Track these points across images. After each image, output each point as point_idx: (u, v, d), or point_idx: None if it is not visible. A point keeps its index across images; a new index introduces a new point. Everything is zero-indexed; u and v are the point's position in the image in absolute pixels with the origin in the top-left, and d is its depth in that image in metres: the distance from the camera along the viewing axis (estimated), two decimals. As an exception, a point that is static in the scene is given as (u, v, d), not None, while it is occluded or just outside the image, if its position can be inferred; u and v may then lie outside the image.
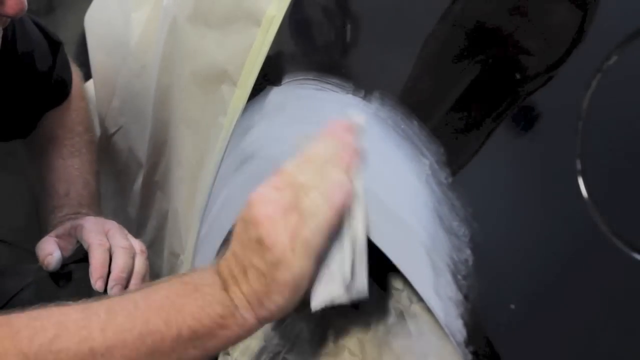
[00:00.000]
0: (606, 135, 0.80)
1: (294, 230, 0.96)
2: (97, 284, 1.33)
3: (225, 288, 1.00)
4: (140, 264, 1.38)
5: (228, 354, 1.33)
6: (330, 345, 1.12)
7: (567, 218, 0.82)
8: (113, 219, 1.78)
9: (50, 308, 1.00)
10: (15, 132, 1.64)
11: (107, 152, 1.87)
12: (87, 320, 0.98)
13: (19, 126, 1.63)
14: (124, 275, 1.35)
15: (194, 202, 1.47)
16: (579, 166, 0.80)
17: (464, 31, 0.98)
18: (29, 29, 1.57)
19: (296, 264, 0.96)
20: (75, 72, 1.71)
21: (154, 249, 1.65)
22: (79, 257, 1.43)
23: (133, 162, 1.74)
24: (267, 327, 1.24)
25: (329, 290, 0.99)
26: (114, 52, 1.82)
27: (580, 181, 0.80)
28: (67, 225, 1.48)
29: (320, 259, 0.98)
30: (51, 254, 1.41)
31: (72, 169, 1.60)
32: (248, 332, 1.00)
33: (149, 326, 0.98)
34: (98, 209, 1.60)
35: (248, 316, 0.99)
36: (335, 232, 0.98)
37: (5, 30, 1.35)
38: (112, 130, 1.84)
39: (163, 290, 1.02)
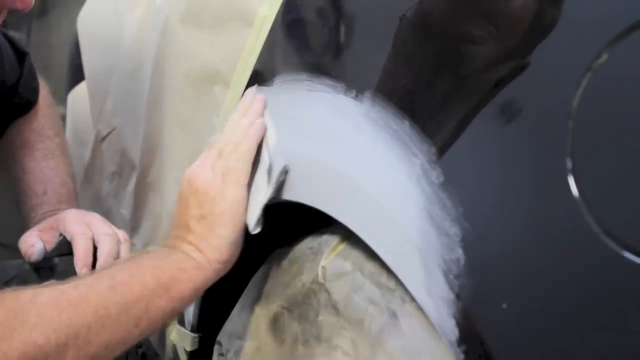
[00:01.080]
0: (596, 134, 0.80)
1: (221, 169, 1.15)
2: (82, 272, 1.34)
3: (175, 247, 1.14)
4: (125, 251, 1.40)
5: (222, 354, 1.33)
6: (323, 345, 1.12)
7: (558, 217, 0.82)
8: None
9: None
10: None
11: (100, 153, 1.87)
12: (60, 284, 1.08)
13: None
14: (111, 260, 1.37)
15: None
16: (569, 165, 0.80)
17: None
18: None
19: (229, 192, 1.13)
20: (42, 84, 1.74)
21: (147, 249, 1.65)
22: (63, 252, 1.44)
23: (127, 164, 1.74)
24: (260, 327, 1.24)
25: (256, 202, 1.14)
26: (107, 53, 1.82)
27: (571, 180, 0.80)
28: (50, 219, 1.50)
29: (249, 186, 1.14)
30: (33, 245, 1.43)
31: (47, 169, 1.63)
32: (206, 276, 1.12)
33: (116, 279, 1.08)
34: (76, 206, 1.62)
35: (201, 259, 1.12)
36: (256, 163, 1.15)
37: None
38: (106, 131, 1.84)
39: (122, 260, 1.20)
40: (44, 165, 1.62)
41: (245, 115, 1.20)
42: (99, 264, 1.36)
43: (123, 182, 1.77)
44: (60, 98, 2.16)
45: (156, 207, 1.62)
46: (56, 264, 1.44)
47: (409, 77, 1.00)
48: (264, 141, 1.16)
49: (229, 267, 1.15)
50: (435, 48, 0.98)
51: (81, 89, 1.97)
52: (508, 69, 0.89)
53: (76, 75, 2.02)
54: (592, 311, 0.78)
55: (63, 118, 2.12)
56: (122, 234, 1.43)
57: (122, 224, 1.77)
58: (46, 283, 1.10)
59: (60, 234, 1.45)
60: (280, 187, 1.13)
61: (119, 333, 1.07)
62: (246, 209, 1.14)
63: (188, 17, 1.46)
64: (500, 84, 0.90)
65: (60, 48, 2.20)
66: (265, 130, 1.17)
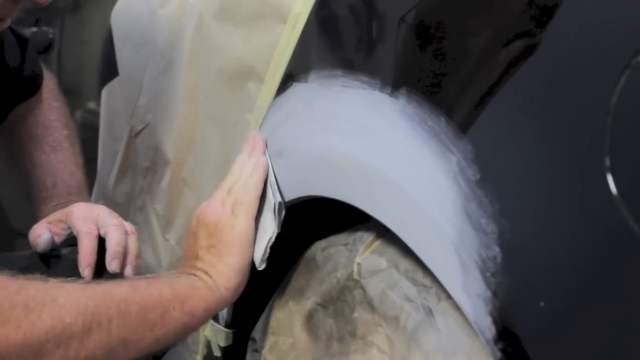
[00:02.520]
0: (635, 132, 0.80)
1: (231, 202, 1.22)
2: (85, 272, 1.37)
3: (182, 274, 1.19)
4: (133, 242, 1.43)
5: (256, 350, 1.33)
6: (359, 342, 1.12)
7: (596, 215, 0.81)
8: (141, 216, 1.80)
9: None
10: None
11: (134, 149, 1.88)
12: (83, 281, 1.17)
13: None
14: (120, 249, 1.39)
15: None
16: (607, 163, 0.80)
17: (475, 11, 0.98)
18: None
19: (238, 222, 1.20)
20: (49, 77, 1.78)
21: (181, 245, 1.65)
22: (71, 243, 1.46)
23: (160, 159, 1.75)
24: (295, 324, 1.24)
25: (264, 239, 1.20)
26: (141, 49, 1.83)
27: (609, 178, 0.79)
28: (59, 212, 1.52)
29: (256, 220, 1.21)
30: (39, 236, 1.46)
31: (56, 162, 1.67)
32: (217, 299, 1.18)
33: (135, 285, 1.14)
34: (87, 197, 1.67)
35: (211, 282, 1.17)
36: (263, 200, 1.23)
37: None
38: (139, 127, 1.84)
39: (139, 279, 1.21)
40: (53, 158, 1.65)
41: (250, 155, 1.27)
42: (108, 253, 1.38)
43: (157, 178, 1.77)
44: (93, 94, 2.17)
45: (190, 202, 1.63)
46: (64, 254, 1.46)
47: (447, 72, 0.99)
48: (268, 178, 1.24)
49: (237, 294, 1.20)
50: (471, 39, 0.97)
51: (115, 85, 1.98)
52: (545, 66, 0.88)
53: (109, 71, 2.02)
54: (631, 310, 0.78)
55: (94, 113, 2.13)
56: (129, 226, 1.45)
57: (156, 219, 1.77)
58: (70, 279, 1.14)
59: (69, 227, 1.46)
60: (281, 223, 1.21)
61: (136, 333, 1.11)
62: (254, 240, 1.20)
63: (222, 13, 1.46)
64: (537, 80, 0.89)
65: (93, 44, 2.20)
66: (268, 167, 1.26)
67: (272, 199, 1.21)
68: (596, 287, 0.80)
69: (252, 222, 1.21)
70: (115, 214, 1.47)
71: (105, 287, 1.11)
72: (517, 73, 0.91)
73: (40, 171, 1.64)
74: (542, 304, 0.83)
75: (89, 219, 1.44)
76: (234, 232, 1.19)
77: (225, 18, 1.45)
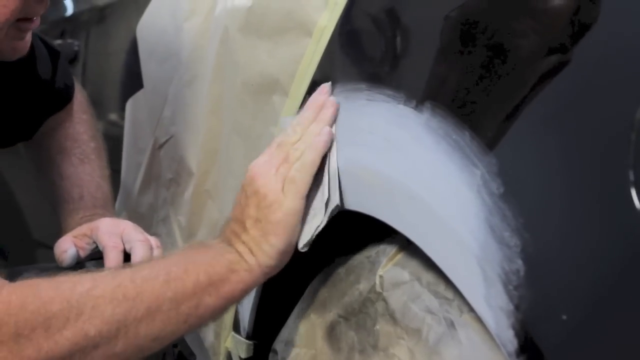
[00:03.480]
0: (659, 147, 0.80)
1: (284, 176, 1.16)
2: None
3: (230, 244, 1.17)
4: (158, 256, 1.43)
5: (277, 362, 1.34)
6: (380, 354, 1.12)
7: (619, 229, 0.81)
8: (164, 227, 1.81)
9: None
10: (19, 136, 1.72)
11: (158, 161, 1.89)
12: (116, 274, 1.13)
13: (22, 130, 1.70)
14: None
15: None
16: (631, 177, 0.80)
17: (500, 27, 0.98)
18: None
19: (286, 202, 1.15)
20: (78, 89, 1.79)
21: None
22: (95, 257, 1.47)
23: (184, 171, 1.76)
24: (317, 335, 1.25)
25: (312, 224, 1.17)
26: (166, 62, 1.84)
27: (633, 193, 0.80)
28: (84, 226, 1.53)
29: (306, 198, 1.17)
30: (65, 251, 1.46)
31: (83, 174, 1.67)
32: (255, 278, 1.16)
33: (170, 275, 1.12)
34: (112, 209, 1.68)
35: (252, 261, 1.15)
36: (318, 174, 1.17)
37: None
38: (164, 139, 1.86)
39: (177, 253, 1.21)
40: (81, 170, 1.67)
41: (315, 119, 1.20)
42: None
43: (180, 189, 1.78)
44: (117, 105, 2.18)
45: (214, 214, 1.63)
46: (89, 267, 1.47)
47: (471, 86, 1.00)
48: (327, 157, 1.18)
49: (276, 272, 1.18)
50: (496, 53, 0.98)
51: (139, 97, 1.99)
52: (569, 80, 0.89)
53: (133, 83, 2.04)
54: (654, 324, 0.78)
55: (116, 125, 2.14)
56: (154, 241, 1.46)
57: (179, 230, 1.78)
58: (105, 269, 1.20)
59: (94, 242, 1.47)
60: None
61: (168, 328, 1.11)
62: (300, 222, 1.17)
63: (247, 26, 1.47)
64: (561, 95, 0.90)
65: (118, 56, 2.22)
66: (332, 144, 1.18)
67: (326, 193, 1.16)
68: (618, 301, 0.81)
69: (302, 202, 1.16)
70: (140, 229, 1.48)
71: (136, 286, 1.10)
72: (541, 87, 0.91)
73: (67, 183, 1.65)
74: (564, 317, 0.84)
75: (114, 234, 1.45)
76: (281, 212, 1.15)
77: (251, 31, 1.46)
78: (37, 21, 1.36)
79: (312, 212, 1.17)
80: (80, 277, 1.11)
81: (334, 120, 1.19)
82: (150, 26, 1.95)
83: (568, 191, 0.86)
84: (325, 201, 1.16)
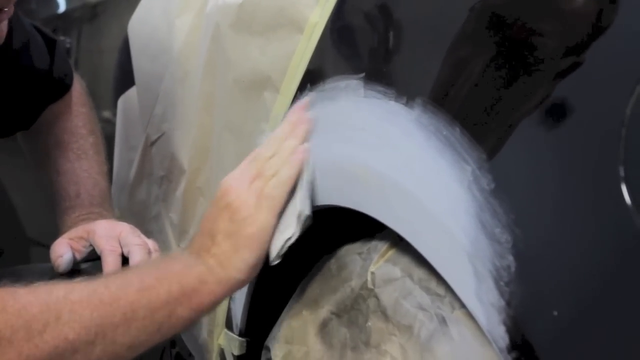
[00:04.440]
0: (650, 142, 0.80)
1: (259, 190, 1.16)
2: None
3: (199, 257, 1.16)
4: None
5: (270, 359, 1.33)
6: (372, 351, 1.12)
7: (610, 225, 0.81)
8: (156, 225, 1.81)
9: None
10: (17, 126, 1.71)
11: (150, 158, 1.89)
12: (90, 281, 1.13)
13: (20, 119, 1.70)
14: None
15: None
16: (622, 173, 0.80)
17: (487, 22, 0.98)
18: (25, 28, 1.61)
19: (261, 218, 1.15)
20: (77, 80, 1.77)
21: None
22: (92, 258, 1.46)
23: (176, 168, 1.76)
24: (309, 332, 1.25)
25: (284, 236, 1.16)
26: (157, 58, 1.84)
27: (624, 188, 0.80)
28: (81, 228, 1.53)
29: (280, 213, 1.16)
30: (61, 256, 1.46)
31: (80, 170, 1.66)
32: (225, 291, 1.16)
33: (144, 284, 1.12)
34: (109, 206, 1.67)
35: (222, 274, 1.15)
36: (292, 193, 1.16)
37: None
38: (155, 136, 1.85)
39: (148, 264, 1.26)
40: (78, 167, 1.66)
41: (291, 135, 1.20)
42: None
43: (172, 187, 1.78)
44: (109, 103, 2.18)
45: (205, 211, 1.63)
46: (84, 269, 1.46)
47: (461, 82, 1.00)
48: (302, 173, 1.18)
49: (245, 285, 1.19)
50: (486, 49, 0.98)
51: (131, 94, 1.99)
52: (562, 76, 0.89)
53: (125, 80, 2.03)
54: (644, 319, 0.78)
55: (109, 122, 2.14)
56: (152, 244, 1.45)
57: (171, 228, 1.78)
58: (78, 279, 1.16)
59: (90, 245, 1.47)
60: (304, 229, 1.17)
61: (142, 336, 1.11)
62: (271, 236, 1.17)
63: (239, 23, 1.47)
64: (552, 90, 0.90)
65: (111, 53, 2.22)
66: (306, 161, 1.18)
67: (299, 205, 1.16)
68: (610, 297, 0.81)
69: (275, 219, 1.16)
70: (138, 232, 1.48)
71: (112, 292, 1.10)
72: (531, 83, 0.91)
73: (64, 179, 1.65)
74: (555, 313, 0.83)
75: (112, 237, 1.45)
76: (254, 227, 1.14)
77: (242, 28, 1.46)
78: (9, 11, 1.35)
79: (282, 224, 1.17)
80: (56, 284, 1.11)
81: (308, 137, 1.19)
82: (141, 23, 1.95)
83: (559, 187, 0.86)
84: (297, 214, 1.16)
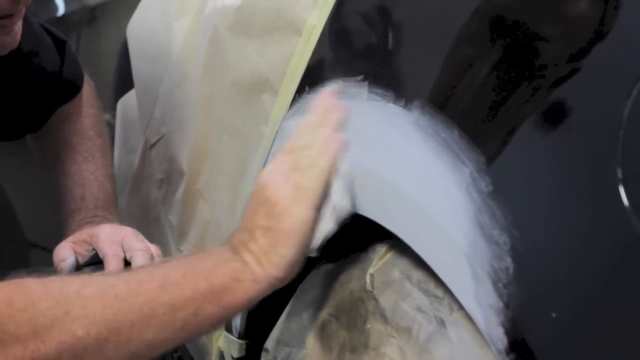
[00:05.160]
0: (647, 144, 0.80)
1: (295, 184, 1.10)
2: None
3: (236, 252, 1.10)
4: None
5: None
6: (371, 353, 1.12)
7: (608, 226, 0.81)
8: (155, 227, 1.81)
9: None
10: (27, 128, 1.71)
11: (149, 160, 1.89)
12: (110, 276, 1.11)
13: (30, 121, 1.69)
14: None
15: (236, 210, 1.48)
16: (620, 175, 0.80)
17: (487, 24, 0.98)
18: (34, 29, 1.61)
19: (298, 212, 1.08)
20: (87, 82, 1.77)
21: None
22: (95, 262, 1.46)
23: (175, 171, 1.76)
24: (308, 335, 1.25)
25: (320, 230, 1.11)
26: (156, 61, 1.84)
27: (621, 190, 0.80)
28: (84, 232, 1.52)
29: (320, 207, 1.10)
30: (64, 260, 1.44)
31: (86, 173, 1.65)
32: (261, 290, 1.09)
33: (167, 279, 1.07)
34: (114, 210, 1.65)
35: (259, 272, 1.08)
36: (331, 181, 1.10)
37: None
38: (154, 139, 1.85)
39: (178, 259, 1.17)
40: (84, 169, 1.65)
41: (325, 123, 1.13)
42: None
43: (171, 189, 1.78)
44: (108, 106, 2.18)
45: (205, 214, 1.63)
46: (88, 273, 1.46)
47: (459, 84, 1.00)
48: (338, 162, 1.12)
49: (284, 283, 1.12)
50: (484, 51, 0.98)
51: (130, 97, 1.99)
52: (561, 77, 0.89)
53: (124, 83, 2.04)
54: (642, 321, 0.78)
55: (109, 124, 2.14)
56: (154, 249, 1.44)
57: (170, 230, 1.78)
58: (100, 273, 1.12)
59: (93, 249, 1.47)
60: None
61: (163, 334, 1.06)
62: (312, 232, 1.10)
63: (237, 25, 1.47)
64: (551, 91, 0.90)
65: (110, 56, 2.22)
66: (345, 149, 1.12)
67: (334, 198, 1.10)
68: (608, 299, 0.81)
69: (313, 212, 1.09)
70: (141, 237, 1.47)
71: (130, 288, 1.06)
72: (530, 85, 0.91)
73: (70, 181, 1.64)
74: (553, 315, 0.84)
75: (115, 242, 1.45)
76: (293, 222, 1.08)
77: (240, 30, 1.46)
78: (19, 15, 1.35)
79: (322, 218, 1.11)
80: (71, 277, 1.09)
81: (342, 124, 1.13)
82: (140, 26, 1.95)
83: (557, 189, 0.86)
84: (332, 207, 1.11)
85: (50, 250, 1.50)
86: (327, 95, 1.16)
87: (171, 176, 1.79)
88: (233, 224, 1.49)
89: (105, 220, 1.59)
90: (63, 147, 1.69)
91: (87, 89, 1.77)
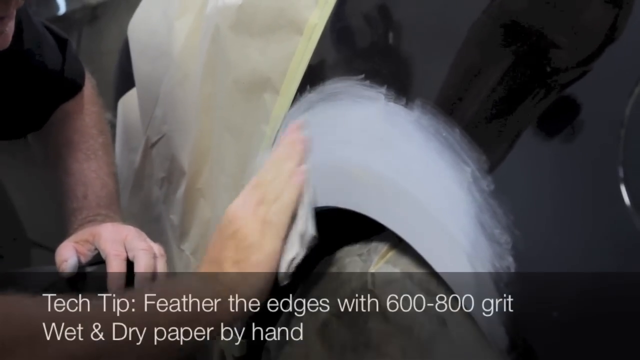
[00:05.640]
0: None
1: (263, 218, 1.15)
2: None
3: (206, 283, 1.15)
4: (161, 266, 1.41)
5: (270, 360, 1.34)
6: (372, 353, 1.12)
7: (610, 225, 0.81)
8: (156, 226, 1.80)
9: None
10: (29, 127, 1.70)
11: (150, 159, 1.89)
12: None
13: (32, 120, 1.68)
14: (148, 275, 1.38)
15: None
16: (621, 174, 0.80)
17: (500, 27, 0.98)
18: (36, 28, 1.60)
19: (266, 244, 1.14)
20: (88, 79, 1.76)
21: (196, 256, 1.66)
22: (97, 261, 1.45)
23: (176, 170, 1.75)
24: (309, 334, 1.25)
25: (288, 256, 1.16)
26: (157, 61, 1.83)
27: (623, 189, 0.80)
28: (87, 231, 1.51)
29: (286, 237, 1.15)
30: (66, 261, 1.43)
31: (88, 171, 1.64)
32: (233, 318, 1.14)
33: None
34: (117, 208, 1.64)
35: (230, 300, 1.13)
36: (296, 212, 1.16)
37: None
38: (155, 138, 1.85)
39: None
40: (86, 167, 1.64)
41: (289, 157, 1.19)
42: (136, 279, 1.38)
43: (172, 188, 1.78)
44: (109, 105, 2.18)
45: (206, 213, 1.63)
46: (89, 272, 1.45)
47: (461, 83, 1.00)
48: (302, 193, 1.17)
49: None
50: (486, 51, 0.98)
51: (131, 96, 1.99)
52: (562, 77, 0.89)
53: (125, 82, 2.03)
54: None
55: (110, 124, 2.14)
56: (157, 248, 1.44)
57: (171, 229, 1.78)
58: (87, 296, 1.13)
59: (96, 248, 1.46)
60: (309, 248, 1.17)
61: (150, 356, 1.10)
62: (278, 260, 1.16)
63: (238, 24, 1.47)
64: (550, 92, 0.90)
65: (111, 55, 2.22)
66: (306, 184, 1.17)
67: (303, 226, 1.16)
68: (609, 298, 0.81)
69: (280, 243, 1.15)
70: (144, 236, 1.46)
71: (124, 310, 1.08)
72: (531, 84, 0.91)
73: (72, 180, 1.63)
74: (555, 314, 0.84)
75: (117, 241, 1.43)
76: (261, 254, 1.14)
77: (242, 29, 1.46)
78: (9, 17, 1.34)
79: (287, 244, 1.17)
80: (66, 297, 1.09)
81: (306, 156, 1.18)
82: (141, 25, 1.95)
83: (558, 188, 0.86)
84: (300, 234, 1.16)
85: (51, 249, 1.50)
86: (293, 129, 1.21)
87: (172, 175, 1.78)
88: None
89: (107, 218, 1.58)
90: (64, 145, 1.68)
91: (89, 87, 1.76)
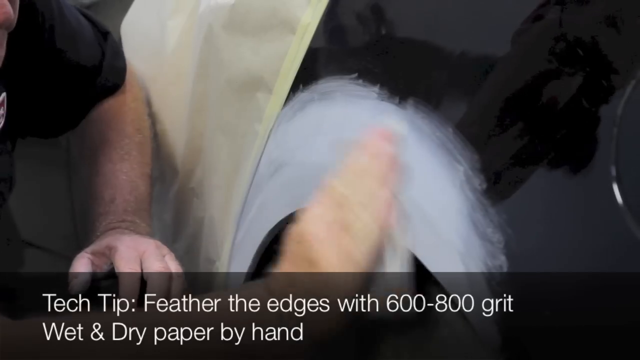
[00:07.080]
0: (641, 142, 0.80)
1: (346, 253, 0.96)
2: None
3: (275, 304, 0.98)
4: (176, 288, 1.36)
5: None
6: (364, 351, 1.12)
7: (602, 225, 0.81)
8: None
9: None
10: (66, 125, 1.65)
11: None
12: (113, 319, 0.99)
13: (69, 118, 1.64)
14: (160, 297, 1.32)
15: (230, 208, 1.48)
16: (613, 173, 0.80)
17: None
18: (71, 25, 1.56)
19: (347, 287, 0.96)
20: (130, 73, 1.71)
21: (189, 255, 1.65)
22: (112, 275, 1.41)
23: (169, 169, 1.75)
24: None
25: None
26: (150, 60, 1.83)
27: (615, 188, 0.80)
28: (104, 242, 1.45)
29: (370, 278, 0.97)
30: (76, 277, 1.38)
31: (119, 173, 1.58)
32: (303, 349, 0.98)
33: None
34: (145, 213, 1.58)
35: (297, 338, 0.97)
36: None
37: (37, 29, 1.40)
38: (148, 137, 1.85)
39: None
40: (118, 168, 1.59)
41: (380, 179, 0.99)
42: (146, 303, 1.31)
43: (165, 188, 1.78)
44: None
45: (199, 212, 1.63)
46: (104, 286, 1.42)
47: (454, 82, 1.00)
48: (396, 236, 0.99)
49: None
50: (479, 50, 0.98)
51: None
52: (549, 77, 0.89)
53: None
54: (637, 320, 0.78)
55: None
56: (174, 267, 1.38)
57: (164, 229, 1.78)
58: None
59: (111, 262, 1.42)
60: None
61: None
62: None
63: (231, 24, 1.47)
64: (542, 91, 0.90)
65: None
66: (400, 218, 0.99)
67: (400, 259, 0.99)
68: (602, 297, 0.81)
69: (360, 284, 0.97)
70: (164, 251, 1.40)
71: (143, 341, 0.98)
72: (523, 82, 0.91)
73: (102, 180, 1.58)
74: (547, 313, 0.84)
75: (132, 259, 1.38)
76: (338, 295, 0.97)
77: (235, 29, 1.46)
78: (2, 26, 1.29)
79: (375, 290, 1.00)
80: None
81: (401, 186, 0.99)
82: (134, 24, 1.95)
83: (551, 187, 0.86)
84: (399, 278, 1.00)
85: (44, 249, 1.48)
86: (381, 135, 1.01)
87: (165, 174, 1.78)
88: (227, 223, 1.49)
89: (133, 225, 1.52)
90: (99, 144, 1.62)
91: (131, 80, 1.70)
